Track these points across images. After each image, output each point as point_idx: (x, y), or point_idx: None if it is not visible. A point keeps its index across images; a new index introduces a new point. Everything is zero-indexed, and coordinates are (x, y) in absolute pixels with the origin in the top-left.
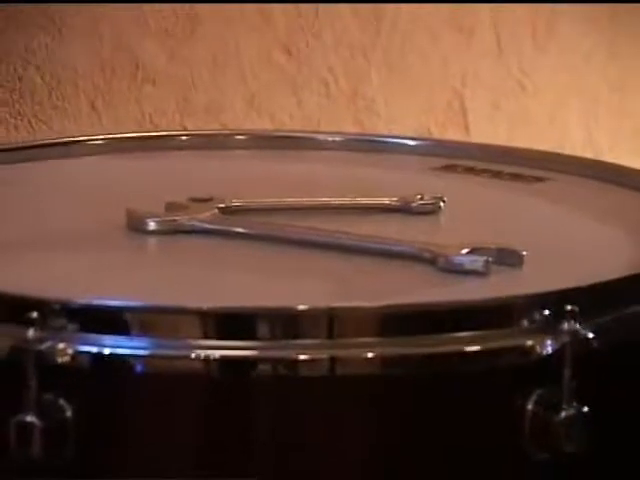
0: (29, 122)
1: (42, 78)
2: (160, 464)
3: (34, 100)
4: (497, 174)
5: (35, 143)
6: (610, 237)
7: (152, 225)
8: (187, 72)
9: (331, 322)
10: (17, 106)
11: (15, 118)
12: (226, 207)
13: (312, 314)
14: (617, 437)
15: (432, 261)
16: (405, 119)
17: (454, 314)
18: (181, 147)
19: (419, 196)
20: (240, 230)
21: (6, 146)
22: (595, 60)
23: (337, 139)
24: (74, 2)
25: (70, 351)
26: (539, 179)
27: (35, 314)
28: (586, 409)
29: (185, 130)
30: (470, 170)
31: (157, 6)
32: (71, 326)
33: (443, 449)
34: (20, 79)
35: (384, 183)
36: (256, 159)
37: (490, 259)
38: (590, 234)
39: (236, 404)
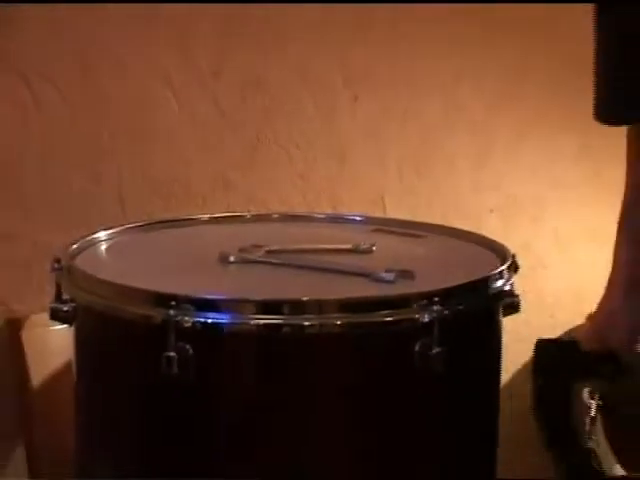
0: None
1: (187, 191)
2: (236, 380)
3: (179, 202)
4: (402, 234)
5: (173, 218)
6: (458, 265)
7: (232, 259)
8: (250, 187)
9: (319, 305)
10: (169, 204)
11: (166, 209)
12: (270, 250)
13: (310, 301)
14: (463, 363)
15: (368, 275)
16: (356, 209)
17: (379, 302)
18: (247, 221)
19: (362, 244)
20: (277, 261)
21: (159, 220)
22: (448, 187)
23: (322, 216)
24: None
25: (190, 320)
26: (422, 236)
27: (173, 302)
28: (444, 349)
29: (249, 212)
30: (389, 232)
31: (232, 156)
32: (191, 308)
33: (371, 372)
34: (171, 192)
35: (344, 238)
36: (284, 226)
37: (397, 274)
38: (448, 264)
39: (272, 349)
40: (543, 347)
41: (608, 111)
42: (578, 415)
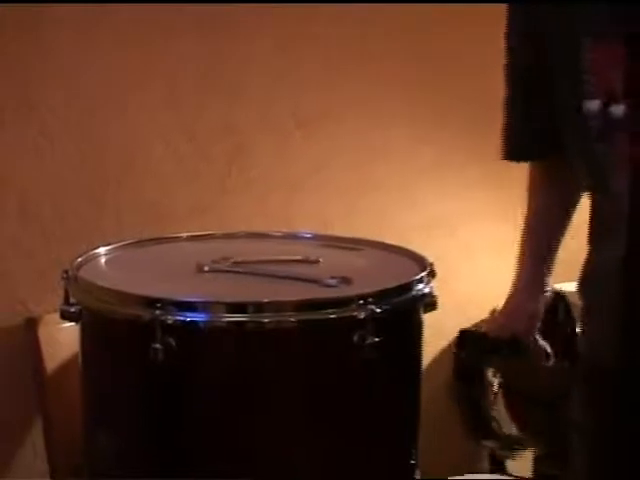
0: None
1: (171, 214)
2: (210, 367)
3: (164, 224)
4: (343, 247)
5: (159, 237)
6: (388, 273)
7: (206, 269)
8: (221, 211)
9: (277, 306)
10: (156, 225)
11: (154, 229)
12: (236, 261)
13: (269, 303)
14: (392, 351)
15: (316, 281)
16: (306, 227)
17: (326, 302)
18: (218, 238)
19: (311, 256)
20: (243, 270)
21: (148, 238)
22: (380, 209)
23: (279, 234)
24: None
25: (173, 319)
26: (359, 249)
27: (159, 304)
28: (377, 339)
29: (220, 232)
30: (334, 246)
31: (207, 186)
32: (173, 308)
33: (318, 358)
34: (158, 215)
35: (297, 251)
36: (248, 242)
37: (339, 280)
38: (380, 272)
39: (239, 341)
40: (465, 336)
41: (506, 150)
42: (484, 390)
